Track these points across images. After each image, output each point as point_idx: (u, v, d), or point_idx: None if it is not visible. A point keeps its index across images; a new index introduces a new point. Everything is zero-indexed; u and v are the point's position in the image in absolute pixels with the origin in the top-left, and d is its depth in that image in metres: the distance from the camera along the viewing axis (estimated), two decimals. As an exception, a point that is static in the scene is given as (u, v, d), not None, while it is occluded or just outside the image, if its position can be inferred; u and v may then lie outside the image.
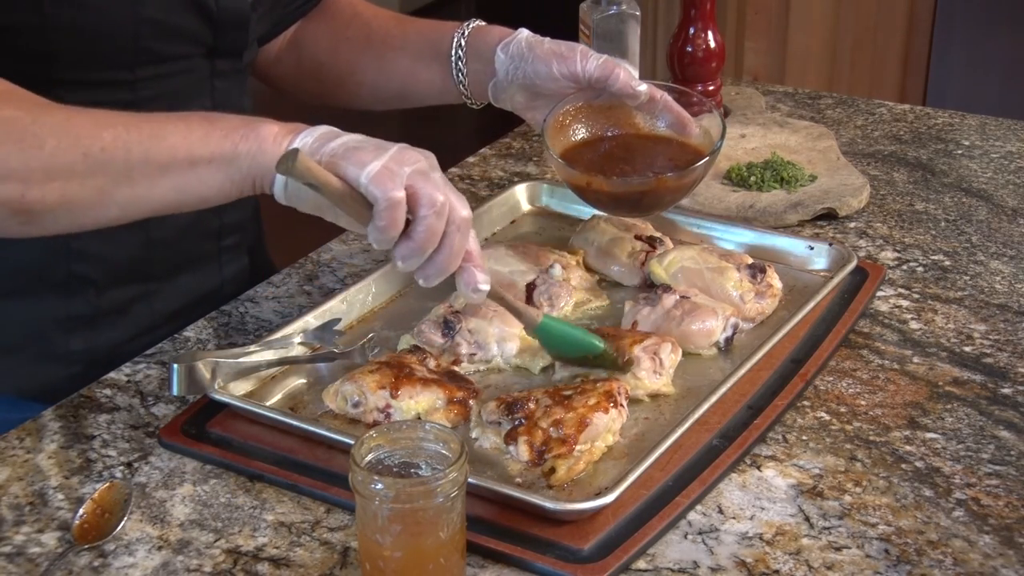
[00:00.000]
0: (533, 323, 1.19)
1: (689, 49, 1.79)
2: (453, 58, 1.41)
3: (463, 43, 1.40)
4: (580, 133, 1.42)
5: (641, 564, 1.02)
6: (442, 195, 1.07)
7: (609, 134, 1.43)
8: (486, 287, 1.14)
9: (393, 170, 1.06)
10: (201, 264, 1.42)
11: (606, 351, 1.19)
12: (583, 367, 1.20)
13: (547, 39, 1.36)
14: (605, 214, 1.45)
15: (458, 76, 1.41)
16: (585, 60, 1.33)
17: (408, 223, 1.08)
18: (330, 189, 1.05)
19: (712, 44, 1.79)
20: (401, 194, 1.05)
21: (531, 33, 1.36)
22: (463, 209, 1.09)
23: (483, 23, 1.42)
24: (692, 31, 1.79)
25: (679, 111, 1.38)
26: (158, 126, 1.08)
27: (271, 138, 1.09)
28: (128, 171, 1.07)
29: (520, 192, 1.59)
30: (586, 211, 1.53)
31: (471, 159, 1.79)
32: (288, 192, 1.10)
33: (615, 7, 1.71)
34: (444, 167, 1.73)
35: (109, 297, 1.34)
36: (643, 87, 1.34)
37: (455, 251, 1.10)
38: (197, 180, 1.09)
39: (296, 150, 1.03)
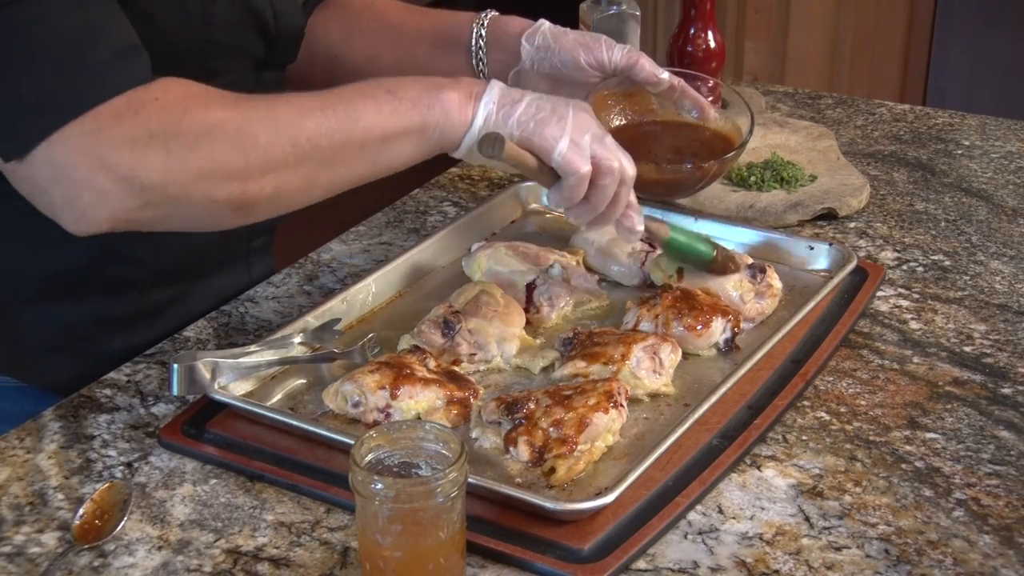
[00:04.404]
0: (663, 236, 1.32)
1: (689, 49, 1.79)
2: (474, 47, 1.45)
3: (483, 33, 1.45)
4: (611, 119, 1.51)
5: (641, 564, 1.02)
6: (616, 161, 1.19)
7: (635, 120, 1.52)
8: (641, 228, 1.26)
9: (579, 144, 1.17)
10: (231, 265, 1.45)
11: (716, 258, 1.32)
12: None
13: (569, 29, 1.42)
14: None
15: (478, 65, 1.46)
16: (610, 50, 1.40)
17: None
18: (526, 167, 1.17)
19: (712, 44, 1.79)
20: (588, 169, 1.17)
21: (552, 24, 1.42)
22: (630, 168, 1.21)
23: (498, 13, 1.46)
24: (692, 31, 1.79)
25: (696, 97, 1.46)
26: (350, 106, 1.14)
27: (455, 106, 1.16)
28: (332, 155, 1.13)
29: (520, 192, 1.59)
30: (586, 211, 1.53)
31: (471, 159, 1.79)
32: (471, 154, 1.17)
33: (615, 7, 1.72)
34: (445, 167, 1.75)
35: (148, 298, 1.37)
36: (665, 75, 1.42)
37: (621, 205, 1.23)
38: (390, 152, 1.15)
39: (501, 137, 1.13)
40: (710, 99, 1.52)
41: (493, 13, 1.46)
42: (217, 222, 1.14)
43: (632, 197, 1.24)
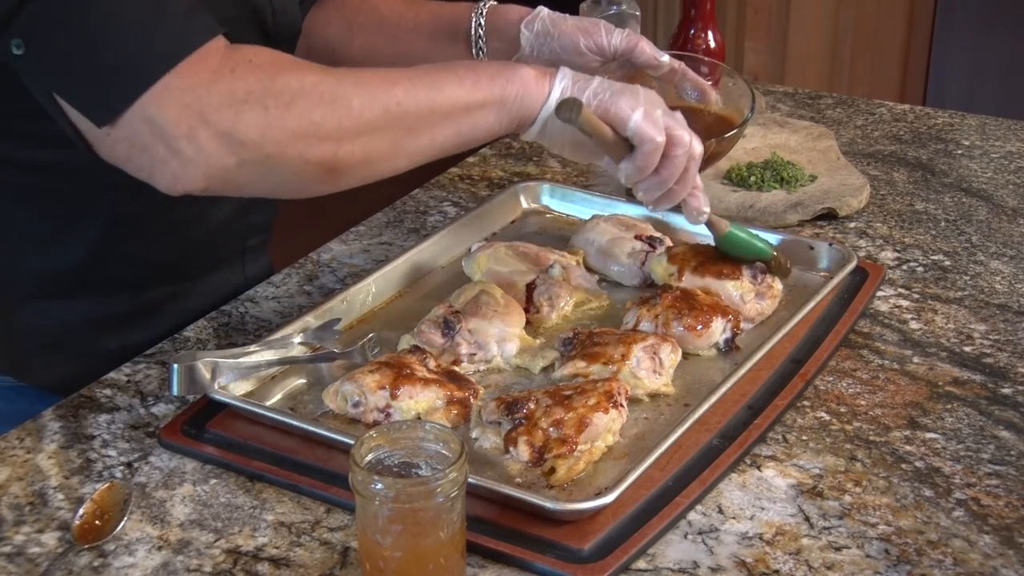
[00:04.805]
0: (722, 231, 1.34)
1: (689, 49, 1.79)
2: (474, 37, 1.45)
3: (482, 22, 1.45)
4: None
5: (641, 564, 1.02)
6: (687, 134, 1.21)
7: None
8: (707, 209, 1.28)
9: (653, 115, 1.19)
10: (227, 264, 1.46)
11: (776, 257, 1.35)
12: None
13: (568, 15, 1.43)
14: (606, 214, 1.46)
15: (478, 55, 1.46)
16: (610, 34, 1.40)
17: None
18: (601, 135, 1.18)
19: (712, 44, 1.79)
20: (663, 138, 1.19)
21: (550, 10, 1.42)
22: (698, 145, 1.23)
23: (495, 2, 1.46)
24: (692, 31, 1.79)
25: (697, 79, 1.46)
26: (433, 78, 1.16)
27: (533, 81, 1.18)
28: (418, 122, 1.14)
29: (520, 192, 1.59)
30: (586, 211, 1.53)
31: (471, 159, 1.79)
32: (544, 133, 1.20)
33: (615, 7, 1.71)
34: (444, 167, 1.75)
35: (144, 297, 1.37)
36: (665, 57, 1.42)
37: (689, 182, 1.24)
38: (472, 123, 1.17)
39: (579, 101, 1.15)
40: (710, 82, 1.51)
41: (492, 2, 1.47)
42: (306, 187, 1.15)
43: (698, 179, 1.25)
